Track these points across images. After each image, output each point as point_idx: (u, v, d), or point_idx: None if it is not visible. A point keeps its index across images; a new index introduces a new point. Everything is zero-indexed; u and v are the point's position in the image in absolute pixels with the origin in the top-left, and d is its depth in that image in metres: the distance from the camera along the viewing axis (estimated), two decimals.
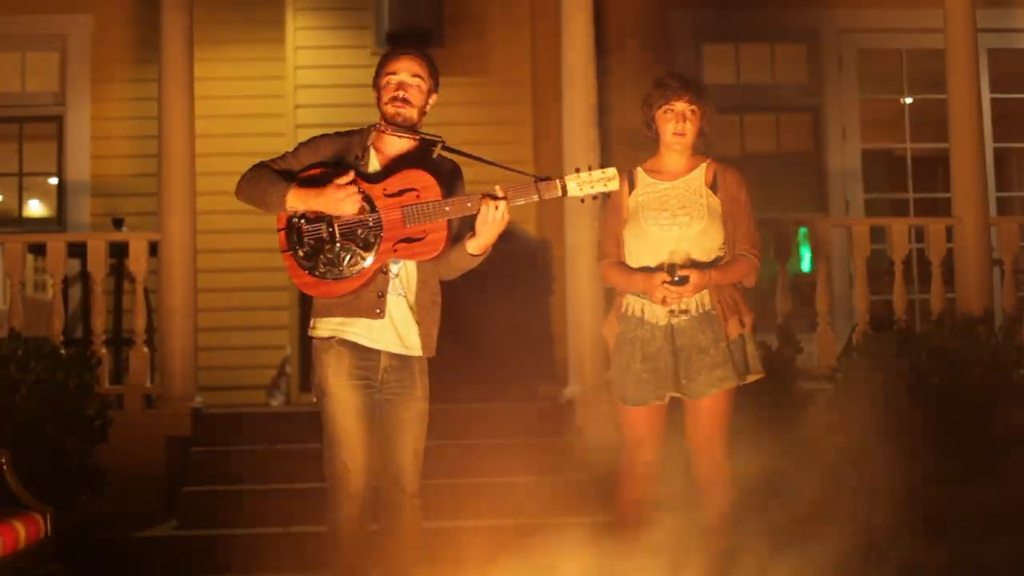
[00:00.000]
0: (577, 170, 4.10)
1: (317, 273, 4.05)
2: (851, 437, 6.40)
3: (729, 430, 4.59)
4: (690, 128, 4.58)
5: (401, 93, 4.15)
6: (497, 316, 7.91)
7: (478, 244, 4.07)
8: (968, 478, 6.13)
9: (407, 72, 4.17)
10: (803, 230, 8.57)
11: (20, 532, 4.73)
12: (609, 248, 4.69)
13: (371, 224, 4.02)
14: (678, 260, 4.47)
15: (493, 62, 8.97)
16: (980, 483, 6.12)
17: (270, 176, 4.09)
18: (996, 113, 9.16)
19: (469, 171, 4.31)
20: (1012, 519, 5.94)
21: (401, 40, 8.35)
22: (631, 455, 4.64)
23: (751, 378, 4.62)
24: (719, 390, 4.49)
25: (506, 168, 4.24)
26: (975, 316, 7.09)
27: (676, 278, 4.39)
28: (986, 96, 8.78)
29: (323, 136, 4.26)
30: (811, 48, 9.37)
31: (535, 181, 4.05)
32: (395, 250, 4.03)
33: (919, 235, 7.96)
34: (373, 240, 4.02)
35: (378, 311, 4.08)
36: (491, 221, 3.99)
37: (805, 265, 9.38)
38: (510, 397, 7.39)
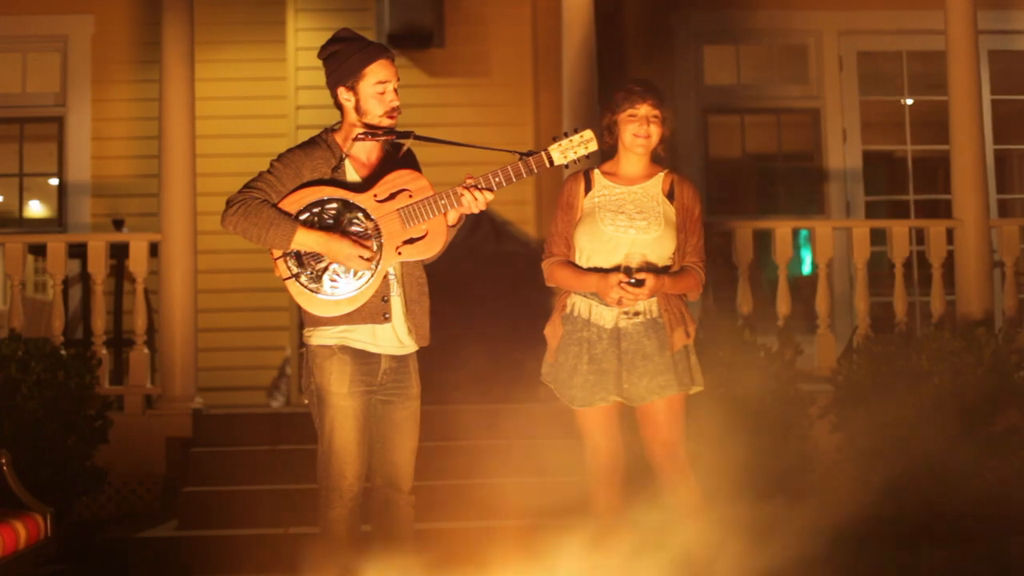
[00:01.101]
0: (555, 138, 4.15)
1: (324, 294, 4.04)
2: (852, 438, 6.41)
3: (685, 432, 4.59)
4: (653, 132, 4.57)
5: (396, 103, 4.12)
6: (498, 316, 7.90)
7: (454, 216, 4.11)
8: (968, 479, 6.13)
9: (395, 79, 4.13)
10: (803, 232, 8.58)
11: (20, 533, 4.73)
12: (557, 247, 4.66)
13: (371, 234, 4.01)
14: (634, 263, 4.47)
15: (494, 63, 8.97)
16: (980, 484, 6.12)
17: (269, 212, 4.02)
18: (997, 115, 9.17)
19: (463, 157, 4.30)
20: (1013, 521, 5.94)
21: (402, 41, 8.36)
22: (593, 457, 4.64)
23: (694, 390, 4.61)
24: (660, 397, 4.48)
25: (490, 148, 4.25)
26: (975, 318, 7.09)
27: (633, 280, 4.39)
28: (987, 98, 8.79)
29: (295, 152, 4.16)
30: (812, 49, 9.37)
31: (521, 157, 4.07)
32: (399, 253, 4.03)
33: (919, 237, 7.95)
34: (376, 249, 4.01)
35: (386, 315, 4.08)
36: (474, 211, 4.05)
37: (805, 267, 9.39)
38: (511, 399, 7.38)
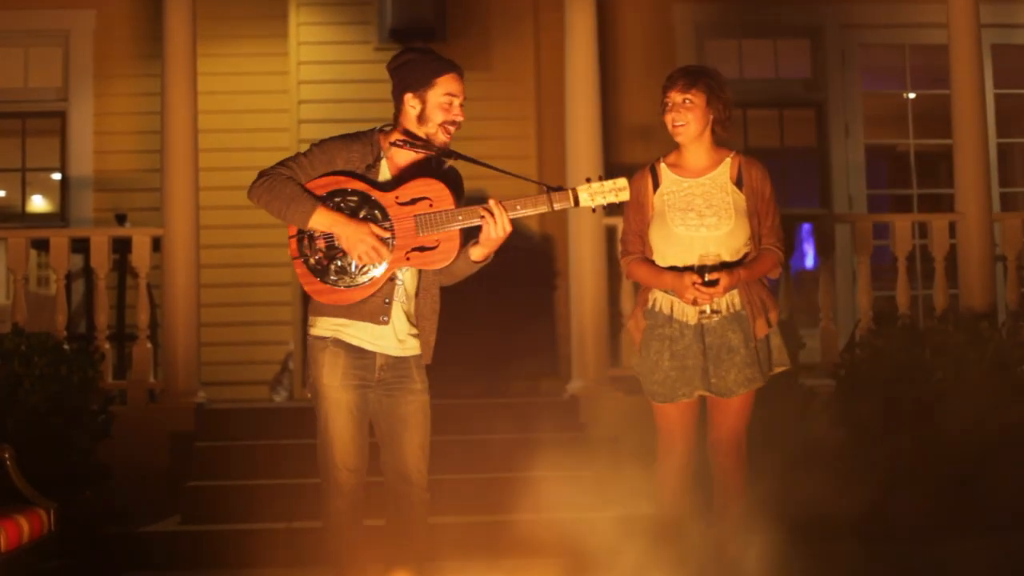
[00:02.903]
0: (588, 180, 4.10)
1: (329, 281, 4.05)
2: (854, 433, 6.41)
3: (749, 427, 4.61)
4: (689, 118, 4.55)
5: (460, 118, 4.15)
6: (500, 312, 7.91)
7: (482, 252, 4.10)
8: (971, 474, 6.13)
9: (462, 95, 4.16)
10: (806, 225, 8.58)
11: (24, 527, 4.73)
12: (633, 245, 4.66)
13: (385, 234, 4.02)
14: (708, 262, 4.45)
15: (497, 57, 8.96)
16: (982, 479, 6.12)
17: (292, 188, 4.03)
18: (999, 109, 9.16)
19: (479, 175, 4.30)
20: (1014, 515, 5.95)
21: (403, 36, 8.36)
22: (665, 449, 4.65)
23: (777, 370, 4.63)
24: (747, 390, 4.50)
25: (519, 177, 4.25)
26: (978, 312, 7.08)
27: (706, 280, 4.39)
28: (989, 92, 8.78)
29: (334, 141, 4.19)
30: (814, 43, 9.37)
31: (547, 191, 4.06)
32: (407, 258, 4.04)
33: (922, 231, 7.95)
34: (388, 247, 4.03)
35: (384, 318, 4.09)
36: (494, 236, 4.02)
37: (808, 261, 9.39)
38: (513, 393, 7.40)
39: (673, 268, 4.53)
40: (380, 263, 4.01)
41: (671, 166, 4.64)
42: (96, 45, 8.96)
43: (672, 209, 4.56)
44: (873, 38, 9.39)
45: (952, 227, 7.51)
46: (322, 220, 4.01)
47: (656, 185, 4.63)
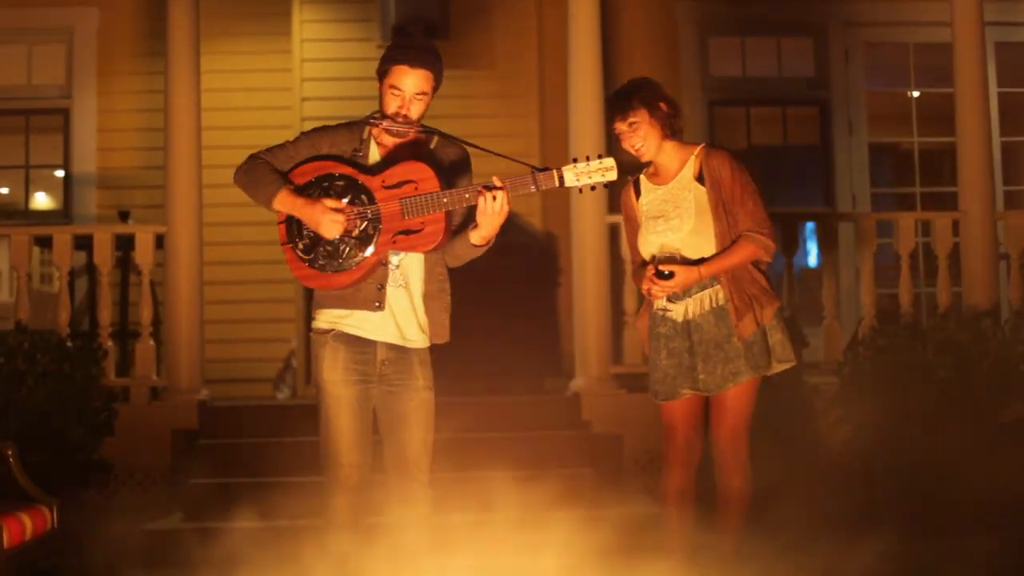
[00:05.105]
0: (575, 160, 4.07)
1: (317, 265, 4.06)
2: (858, 431, 6.40)
3: (750, 425, 4.60)
4: (641, 136, 4.55)
5: (404, 111, 4.10)
6: (503, 309, 7.91)
7: (480, 235, 4.07)
8: (974, 471, 6.13)
9: (412, 90, 4.09)
10: (810, 224, 8.58)
11: (27, 524, 4.74)
12: (635, 255, 4.77)
13: (370, 216, 4.02)
14: (663, 254, 4.52)
15: (500, 55, 8.97)
16: (985, 476, 6.11)
17: (267, 172, 4.09)
18: (1003, 107, 9.16)
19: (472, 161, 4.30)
20: (1016, 511, 5.94)
21: (407, 33, 8.34)
22: (668, 445, 4.66)
23: (778, 367, 4.59)
24: (733, 384, 4.50)
25: (504, 157, 4.22)
26: (981, 310, 7.08)
27: (657, 271, 4.45)
28: (993, 90, 8.78)
29: (323, 128, 4.24)
30: (818, 41, 9.36)
31: (532, 172, 4.03)
32: (394, 242, 4.03)
33: (925, 229, 7.95)
34: (372, 232, 4.02)
35: (377, 304, 4.09)
36: (490, 213, 3.97)
37: (812, 259, 9.38)
38: (516, 391, 7.39)
39: None
40: (346, 228, 3.98)
41: (649, 176, 4.71)
42: (100, 42, 8.97)
43: (648, 217, 4.65)
44: (877, 36, 9.38)
45: (955, 225, 7.50)
46: (284, 203, 4.05)
47: (638, 196, 4.72)
